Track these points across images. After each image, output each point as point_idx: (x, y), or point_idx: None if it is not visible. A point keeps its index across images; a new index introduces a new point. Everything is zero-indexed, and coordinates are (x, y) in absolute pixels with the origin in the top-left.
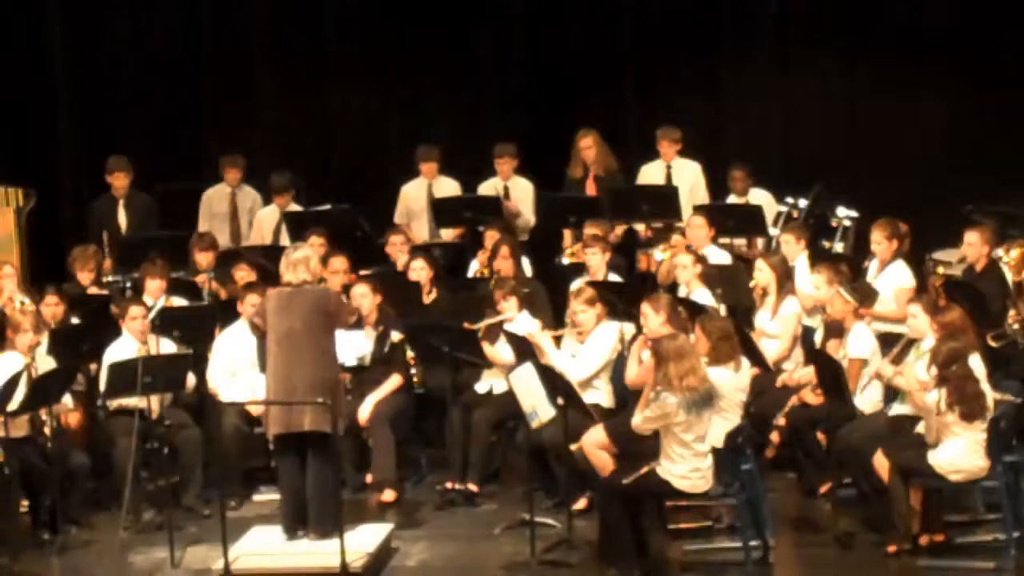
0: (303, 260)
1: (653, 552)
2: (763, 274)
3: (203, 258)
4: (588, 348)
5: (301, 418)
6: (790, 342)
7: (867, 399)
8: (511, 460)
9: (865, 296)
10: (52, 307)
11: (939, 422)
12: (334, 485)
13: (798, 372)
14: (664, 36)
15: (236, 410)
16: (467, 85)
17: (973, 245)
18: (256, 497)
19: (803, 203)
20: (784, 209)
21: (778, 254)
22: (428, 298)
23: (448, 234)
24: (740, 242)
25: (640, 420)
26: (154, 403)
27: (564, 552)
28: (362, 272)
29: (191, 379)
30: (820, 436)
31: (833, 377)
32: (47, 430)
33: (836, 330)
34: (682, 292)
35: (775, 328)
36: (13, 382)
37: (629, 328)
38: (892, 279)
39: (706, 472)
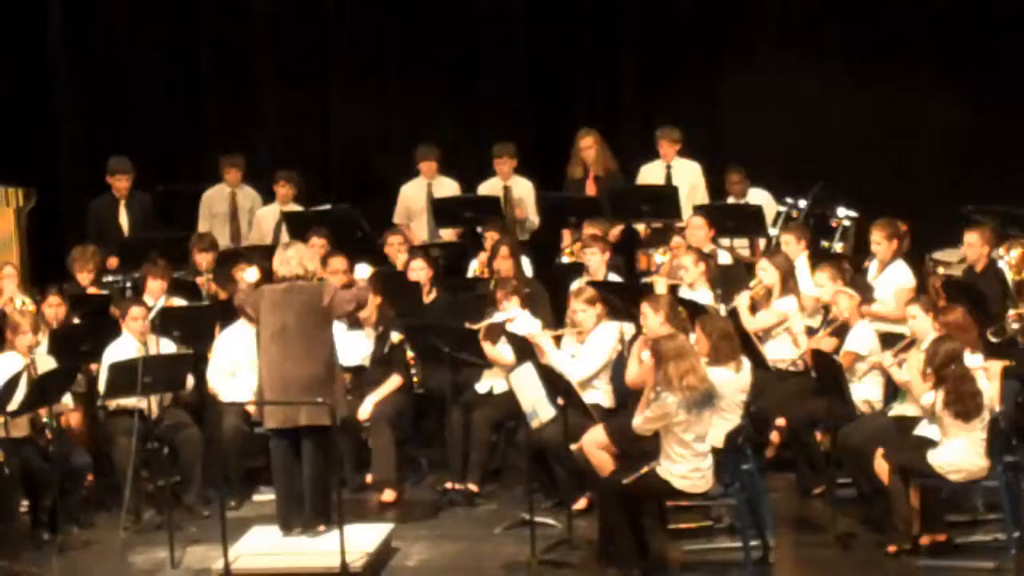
0: (295, 255)
1: (653, 552)
2: (768, 274)
3: (203, 258)
4: (588, 348)
5: (297, 413)
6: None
7: (866, 398)
8: (511, 460)
9: (864, 293)
10: (55, 308)
11: (936, 422)
12: (329, 477)
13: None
14: (664, 36)
15: (236, 410)
16: (467, 85)
17: (973, 245)
18: (256, 497)
19: (803, 203)
20: (784, 209)
21: (781, 254)
22: (428, 298)
23: (448, 234)
24: (740, 243)
25: (640, 421)
26: (154, 403)
27: (564, 552)
28: None
29: (191, 379)
30: (820, 436)
31: (833, 377)
32: (47, 430)
33: (841, 331)
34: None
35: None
36: (13, 382)
37: (629, 328)
38: (892, 279)
39: (706, 472)
